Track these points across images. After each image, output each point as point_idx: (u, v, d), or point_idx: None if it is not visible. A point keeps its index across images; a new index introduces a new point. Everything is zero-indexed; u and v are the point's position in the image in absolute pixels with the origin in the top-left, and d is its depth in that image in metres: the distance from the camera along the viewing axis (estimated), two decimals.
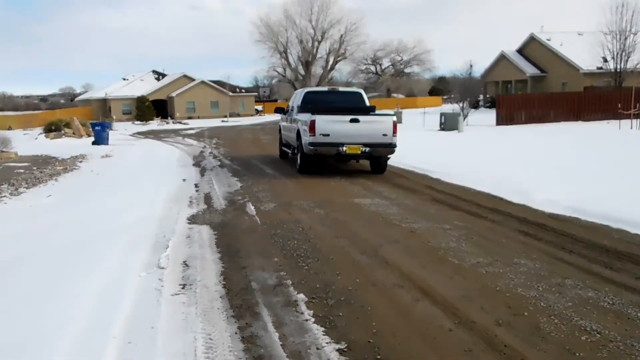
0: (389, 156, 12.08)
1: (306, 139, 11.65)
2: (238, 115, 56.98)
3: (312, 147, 11.52)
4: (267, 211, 8.29)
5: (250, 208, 8.52)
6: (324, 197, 9.38)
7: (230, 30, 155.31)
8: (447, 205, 8.52)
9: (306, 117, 11.70)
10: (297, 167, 12.66)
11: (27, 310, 4.37)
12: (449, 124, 25.18)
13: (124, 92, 56.48)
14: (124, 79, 61.16)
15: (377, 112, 13.20)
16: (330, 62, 63.36)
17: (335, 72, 67.01)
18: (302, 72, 62.90)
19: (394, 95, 74.12)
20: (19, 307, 4.45)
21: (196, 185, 11.10)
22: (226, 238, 6.70)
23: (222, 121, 48.24)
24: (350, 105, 13.08)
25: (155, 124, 46.53)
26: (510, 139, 19.59)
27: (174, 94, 55.94)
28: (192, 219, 7.80)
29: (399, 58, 77.11)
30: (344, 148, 11.37)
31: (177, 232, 6.96)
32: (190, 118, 53.33)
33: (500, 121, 27.89)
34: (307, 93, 13.73)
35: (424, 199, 9.17)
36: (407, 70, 78.33)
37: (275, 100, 68.36)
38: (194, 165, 15.10)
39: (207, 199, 9.54)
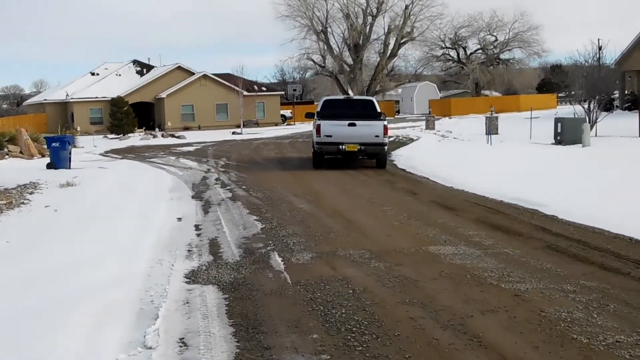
0: (385, 153, 19.89)
1: (314, 139, 19.28)
2: (256, 124, 57.80)
3: (318, 146, 19.15)
4: (300, 264, 8.34)
5: (276, 260, 8.59)
6: (383, 244, 9.37)
7: (245, 3, 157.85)
8: (569, 256, 8.41)
9: (316, 122, 19.24)
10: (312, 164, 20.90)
11: None
12: (568, 134, 24.83)
13: (93, 91, 57.99)
14: (93, 74, 63.04)
15: (383, 117, 20.53)
16: (391, 46, 62.50)
17: (399, 59, 66.09)
18: (350, 60, 62.46)
19: (486, 92, 73.82)
20: None
21: (197, 227, 11.26)
22: (242, 304, 6.75)
23: (234, 133, 48.92)
24: (362, 111, 19.97)
25: (137, 138, 47.24)
26: None
27: (163, 95, 57.17)
28: (192, 277, 7.90)
29: (493, 39, 77.21)
30: (344, 146, 18.88)
31: (170, 295, 7.05)
32: (187, 129, 54.15)
33: None
34: (325, 101, 21.25)
35: (532, 246, 9.07)
36: (504, 56, 78.13)
37: (311, 102, 68.09)
38: (193, 197, 15.33)
39: (213, 246, 9.65)
